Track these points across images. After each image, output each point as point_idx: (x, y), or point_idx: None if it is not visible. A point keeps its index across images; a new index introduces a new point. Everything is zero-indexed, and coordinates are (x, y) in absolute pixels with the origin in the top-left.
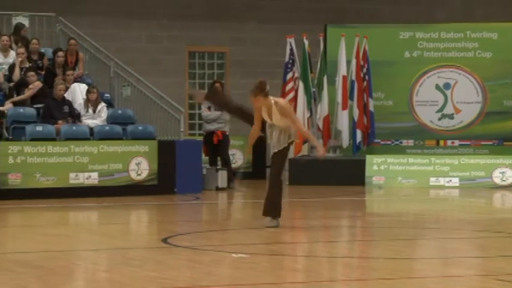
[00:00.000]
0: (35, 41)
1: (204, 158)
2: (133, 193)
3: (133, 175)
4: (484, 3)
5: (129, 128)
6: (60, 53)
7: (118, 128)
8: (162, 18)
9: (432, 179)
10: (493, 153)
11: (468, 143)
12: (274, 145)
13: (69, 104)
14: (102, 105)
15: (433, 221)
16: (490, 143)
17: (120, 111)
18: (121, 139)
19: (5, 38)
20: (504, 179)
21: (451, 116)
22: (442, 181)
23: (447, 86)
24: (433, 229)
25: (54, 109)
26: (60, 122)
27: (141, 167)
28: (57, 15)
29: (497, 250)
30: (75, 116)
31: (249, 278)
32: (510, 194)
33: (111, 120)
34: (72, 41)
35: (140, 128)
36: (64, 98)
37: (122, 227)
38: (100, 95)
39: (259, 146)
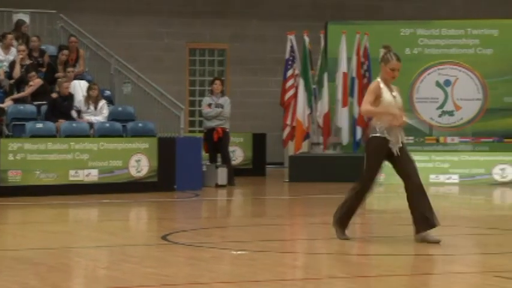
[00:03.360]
0: (34, 38)
1: (204, 155)
2: (133, 190)
3: (133, 172)
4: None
5: (129, 125)
6: (65, 51)
7: (118, 125)
8: (163, 15)
9: (432, 176)
10: (492, 150)
11: (468, 140)
12: (398, 141)
13: (72, 99)
14: (103, 102)
15: None
16: (490, 139)
17: (120, 108)
18: (121, 136)
19: (10, 36)
20: (504, 175)
21: (451, 113)
22: (441, 178)
23: (447, 82)
24: None
25: (61, 106)
26: (60, 120)
27: (141, 164)
28: (58, 12)
29: (496, 247)
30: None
31: (248, 274)
32: (510, 190)
33: (111, 117)
34: (73, 38)
35: (140, 125)
36: (70, 93)
37: (121, 223)
38: (100, 92)
39: (259, 142)
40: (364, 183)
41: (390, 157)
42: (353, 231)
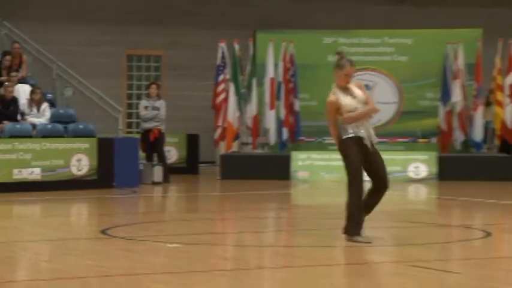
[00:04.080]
0: None
1: (141, 154)
2: (74, 187)
3: (74, 170)
4: (400, 11)
5: (71, 126)
6: (8, 57)
7: (60, 127)
8: (102, 23)
9: None
10: (408, 150)
11: (385, 140)
12: (371, 135)
13: (16, 102)
14: (45, 105)
15: None
16: (406, 140)
17: (62, 111)
18: (63, 137)
19: None
20: (417, 173)
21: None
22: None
23: (367, 87)
24: None
25: (5, 109)
26: (5, 122)
27: (81, 163)
28: (2, 20)
29: (410, 239)
30: (20, 114)
31: (182, 266)
32: (423, 187)
33: (53, 119)
34: (16, 45)
35: (81, 126)
36: (13, 97)
37: (63, 219)
38: (43, 95)
39: (193, 143)
40: (352, 180)
41: (365, 155)
42: (280, 224)
